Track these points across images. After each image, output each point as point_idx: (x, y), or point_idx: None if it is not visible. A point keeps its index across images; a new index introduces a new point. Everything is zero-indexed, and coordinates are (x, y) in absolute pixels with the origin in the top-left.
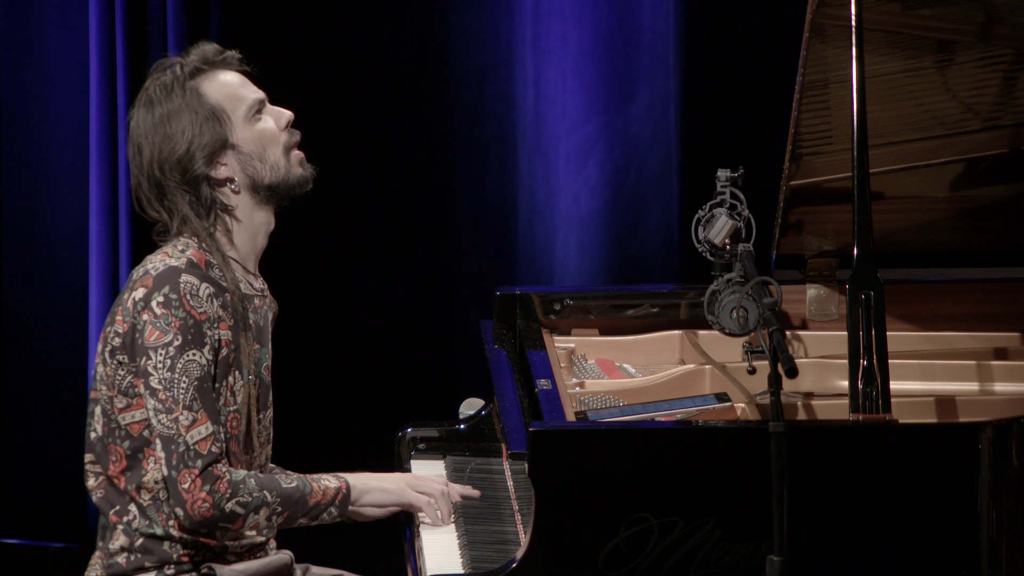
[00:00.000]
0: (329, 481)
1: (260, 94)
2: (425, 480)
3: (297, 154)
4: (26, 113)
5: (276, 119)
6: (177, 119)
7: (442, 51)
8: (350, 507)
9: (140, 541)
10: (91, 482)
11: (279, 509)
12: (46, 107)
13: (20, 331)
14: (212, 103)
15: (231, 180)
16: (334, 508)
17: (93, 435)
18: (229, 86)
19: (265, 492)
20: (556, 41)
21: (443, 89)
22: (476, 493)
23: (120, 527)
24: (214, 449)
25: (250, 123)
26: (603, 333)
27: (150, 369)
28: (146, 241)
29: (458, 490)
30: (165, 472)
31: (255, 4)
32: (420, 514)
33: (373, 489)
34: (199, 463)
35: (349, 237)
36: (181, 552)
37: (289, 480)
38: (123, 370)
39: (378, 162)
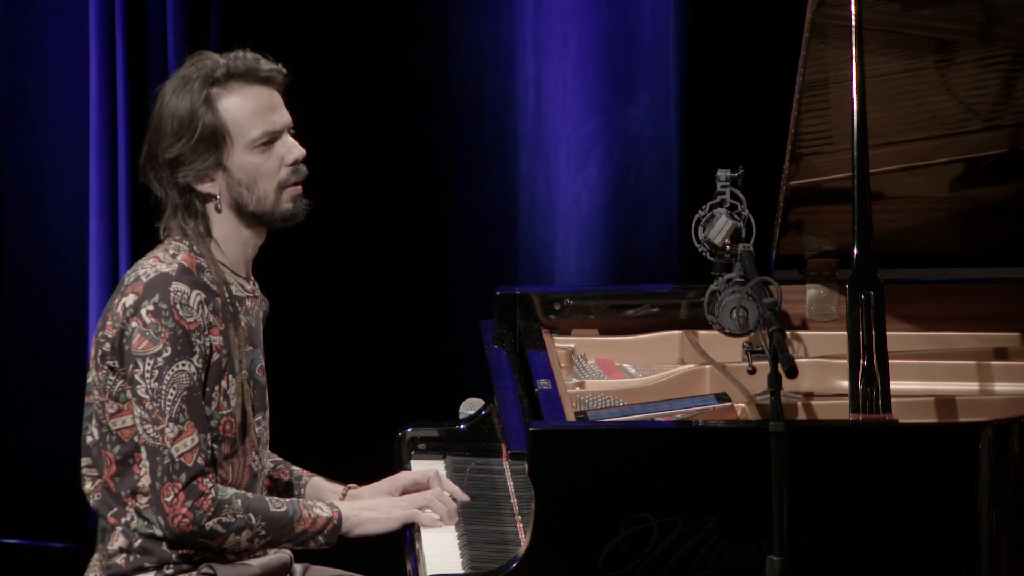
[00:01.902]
0: (322, 510)
1: (277, 125)
2: (410, 497)
3: (292, 190)
4: (26, 113)
5: (284, 153)
6: (180, 123)
7: (442, 51)
8: (343, 535)
9: (139, 542)
10: (88, 486)
11: (263, 532)
12: (46, 107)
13: (20, 330)
14: (220, 121)
15: (214, 197)
16: (322, 537)
17: (89, 439)
18: (247, 107)
19: (250, 515)
20: (557, 41)
21: (444, 89)
22: (465, 498)
23: (119, 528)
24: (199, 461)
25: (251, 152)
26: (603, 333)
27: (137, 378)
28: (146, 241)
29: (450, 490)
30: (149, 480)
31: (255, 4)
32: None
33: (366, 520)
34: (183, 476)
35: (350, 237)
36: (180, 552)
37: (279, 504)
38: (114, 375)
39: (379, 162)
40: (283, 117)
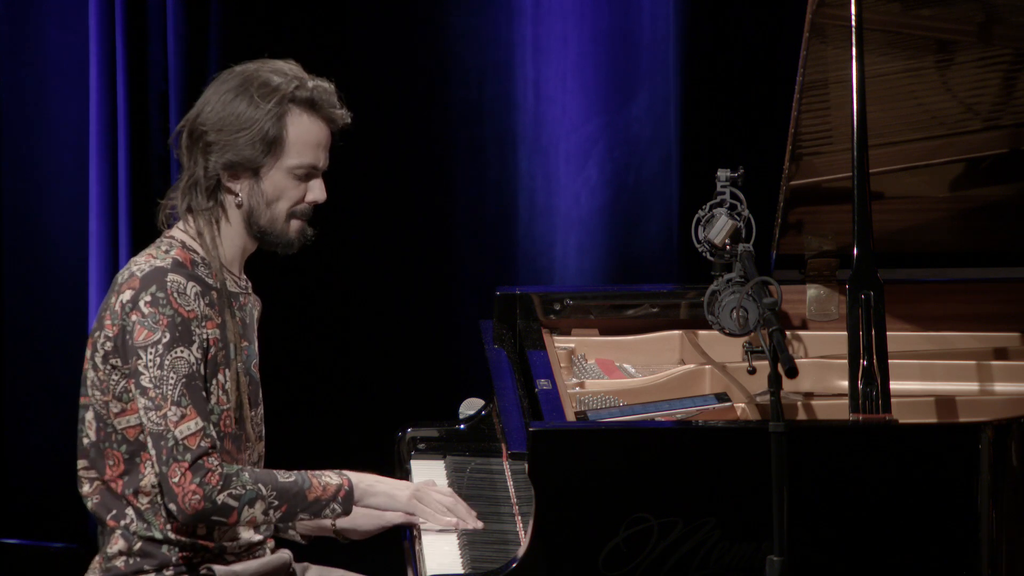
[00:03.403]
0: (331, 478)
1: (321, 163)
2: (433, 492)
3: (299, 223)
4: (26, 113)
5: (310, 191)
6: (245, 120)
7: (442, 51)
8: (355, 505)
9: (139, 545)
10: (85, 488)
11: (275, 503)
12: (46, 107)
13: (20, 330)
14: (281, 135)
15: (237, 195)
16: (337, 505)
17: (86, 440)
18: (309, 135)
19: (260, 486)
20: (556, 41)
21: (443, 89)
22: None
23: (118, 531)
24: (203, 444)
25: (287, 174)
26: (603, 333)
27: (140, 368)
28: (146, 241)
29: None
30: (156, 468)
31: (255, 4)
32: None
33: (380, 492)
34: (188, 456)
35: (350, 237)
36: (180, 554)
37: (287, 475)
38: (117, 375)
39: (379, 162)
40: (327, 159)
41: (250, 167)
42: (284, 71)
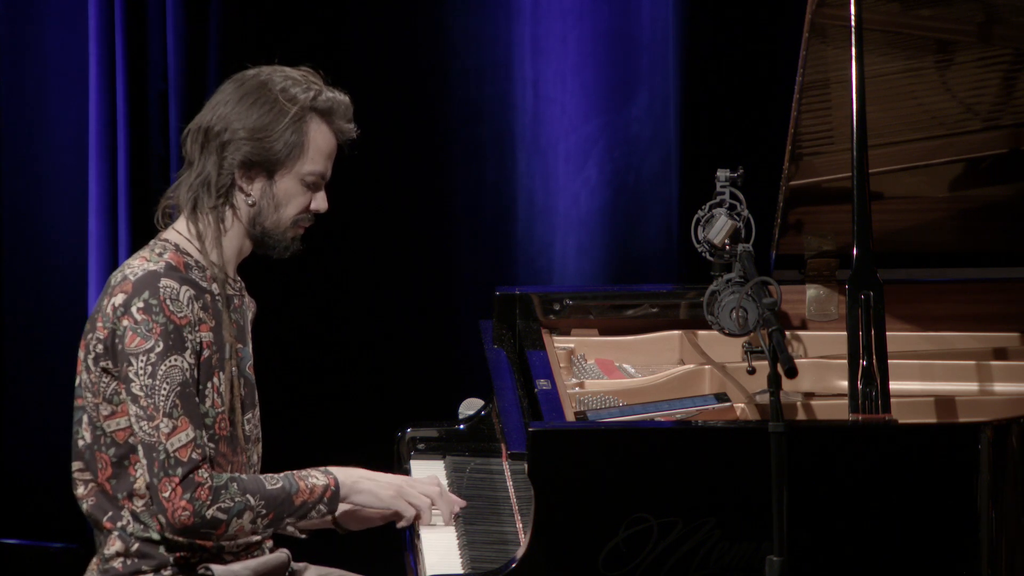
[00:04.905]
0: (317, 478)
1: (328, 173)
2: (418, 485)
3: (299, 229)
4: (26, 114)
5: (315, 200)
6: (270, 124)
7: (441, 51)
8: (340, 503)
9: (136, 546)
10: (80, 490)
11: (263, 512)
12: (46, 108)
13: (20, 330)
14: (303, 140)
15: (248, 195)
16: (323, 506)
17: (81, 443)
18: (323, 143)
19: (248, 496)
20: (555, 41)
21: (442, 89)
22: (462, 503)
23: (115, 533)
24: (195, 456)
25: (298, 180)
26: (603, 333)
27: (131, 375)
28: (145, 241)
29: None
30: (147, 479)
31: (254, 4)
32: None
33: (364, 490)
34: (179, 471)
35: (349, 237)
36: (178, 554)
37: (274, 481)
38: (107, 377)
39: (377, 162)
40: (330, 168)
41: (266, 169)
42: (302, 78)
